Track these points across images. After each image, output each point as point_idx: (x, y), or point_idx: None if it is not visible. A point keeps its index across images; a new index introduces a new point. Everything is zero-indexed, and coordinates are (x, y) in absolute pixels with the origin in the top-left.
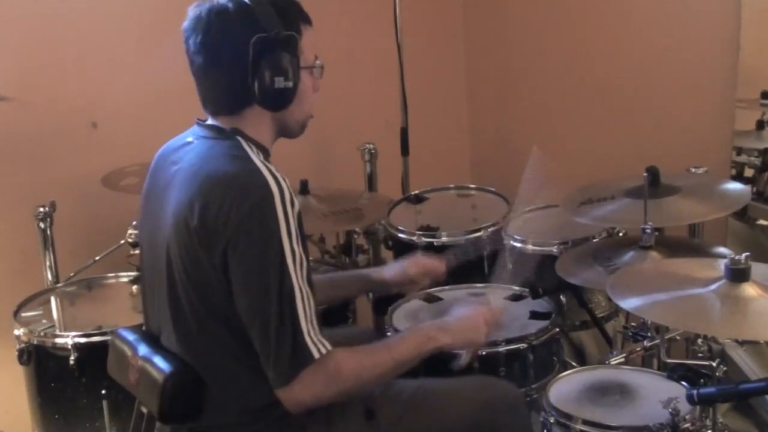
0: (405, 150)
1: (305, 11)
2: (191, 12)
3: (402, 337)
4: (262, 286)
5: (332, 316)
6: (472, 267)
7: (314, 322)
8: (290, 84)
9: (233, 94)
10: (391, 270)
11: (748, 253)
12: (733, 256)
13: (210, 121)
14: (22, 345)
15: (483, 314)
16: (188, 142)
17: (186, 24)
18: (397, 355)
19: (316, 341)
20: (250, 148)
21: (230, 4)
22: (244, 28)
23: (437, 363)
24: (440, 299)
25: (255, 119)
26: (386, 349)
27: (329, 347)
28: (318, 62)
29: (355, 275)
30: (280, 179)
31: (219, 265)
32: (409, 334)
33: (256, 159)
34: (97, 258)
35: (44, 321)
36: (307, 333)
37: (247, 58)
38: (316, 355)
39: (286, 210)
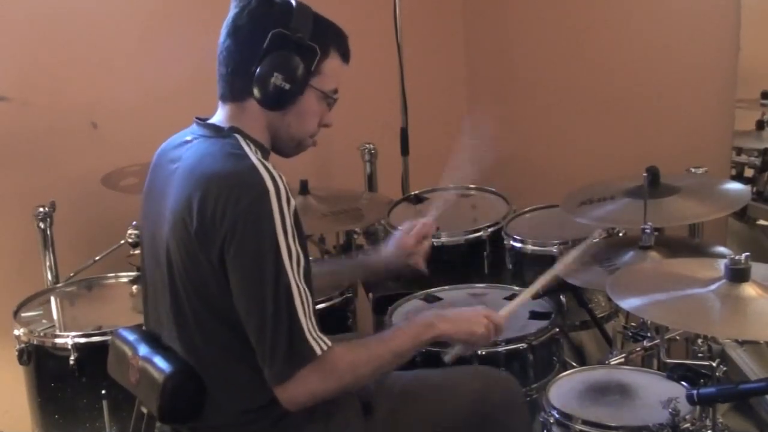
0: (405, 150)
1: (347, 45)
2: None
3: (399, 328)
4: (258, 284)
5: (332, 315)
6: (472, 267)
7: (313, 319)
8: (287, 86)
9: (239, 78)
10: (388, 252)
11: (748, 253)
12: (733, 256)
13: (213, 119)
14: (22, 345)
15: (484, 312)
16: (187, 141)
17: (233, 1)
18: (395, 347)
19: (316, 338)
20: (248, 146)
21: None
22: (274, 19)
23: (433, 354)
24: (440, 299)
25: (254, 115)
26: (383, 341)
27: (329, 343)
28: (334, 95)
29: (356, 263)
30: (276, 177)
31: (217, 264)
32: (407, 325)
33: (253, 157)
34: (97, 258)
35: (44, 321)
36: (307, 330)
37: (262, 46)
38: (318, 352)
39: (281, 207)
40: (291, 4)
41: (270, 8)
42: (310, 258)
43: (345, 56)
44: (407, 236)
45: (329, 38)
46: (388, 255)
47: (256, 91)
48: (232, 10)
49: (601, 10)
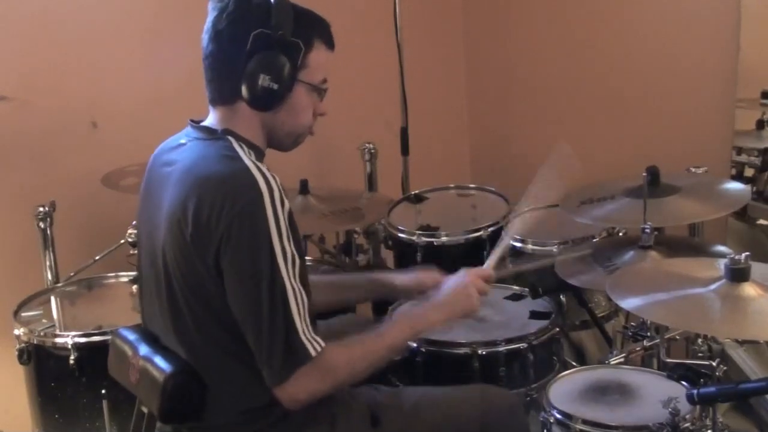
0: (405, 150)
1: (330, 33)
2: None
3: (393, 323)
4: (253, 286)
5: (331, 315)
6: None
7: (308, 320)
8: (276, 86)
9: (227, 82)
10: (404, 278)
11: (748, 253)
12: (733, 255)
13: (206, 122)
14: (22, 345)
15: (471, 281)
16: (181, 144)
17: (210, 3)
18: (389, 341)
19: (310, 339)
20: (242, 147)
21: None
22: (254, 20)
23: (433, 353)
24: None
25: (246, 117)
26: (378, 337)
27: (323, 344)
28: (324, 85)
29: (365, 279)
30: (270, 178)
31: (213, 266)
32: (401, 319)
33: (247, 159)
34: (97, 258)
35: (44, 321)
36: (302, 331)
37: (245, 48)
38: (313, 353)
39: (275, 209)
40: (269, 1)
41: (248, 9)
42: (325, 267)
43: (329, 44)
44: (430, 278)
45: (311, 30)
46: (401, 281)
47: (245, 94)
48: (211, 14)
49: (601, 10)
